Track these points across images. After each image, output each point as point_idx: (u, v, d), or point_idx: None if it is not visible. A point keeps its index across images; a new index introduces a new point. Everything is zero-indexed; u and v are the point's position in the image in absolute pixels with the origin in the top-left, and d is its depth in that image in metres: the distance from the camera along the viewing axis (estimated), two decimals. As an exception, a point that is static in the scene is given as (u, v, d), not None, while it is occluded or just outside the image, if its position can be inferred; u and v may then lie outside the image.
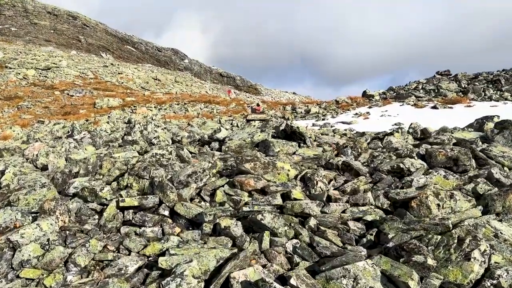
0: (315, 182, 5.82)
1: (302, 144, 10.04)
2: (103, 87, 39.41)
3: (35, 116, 24.96)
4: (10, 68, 42.33)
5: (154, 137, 10.64)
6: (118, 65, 67.08)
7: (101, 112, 26.00)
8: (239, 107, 27.59)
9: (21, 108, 27.28)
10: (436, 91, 24.66)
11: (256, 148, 9.58)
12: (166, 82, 63.15)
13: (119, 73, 56.90)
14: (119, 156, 8.85)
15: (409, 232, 3.91)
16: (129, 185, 6.53)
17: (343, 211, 4.98)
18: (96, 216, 5.49)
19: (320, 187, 5.78)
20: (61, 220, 5.01)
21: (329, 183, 6.01)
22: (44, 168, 9.22)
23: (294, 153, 9.10)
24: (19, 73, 39.81)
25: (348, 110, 22.53)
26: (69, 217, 5.20)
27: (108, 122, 13.66)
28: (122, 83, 46.66)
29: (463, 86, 24.90)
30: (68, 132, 12.90)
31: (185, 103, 28.96)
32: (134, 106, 27.73)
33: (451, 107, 19.57)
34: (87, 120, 22.92)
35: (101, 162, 7.78)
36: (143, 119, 20.23)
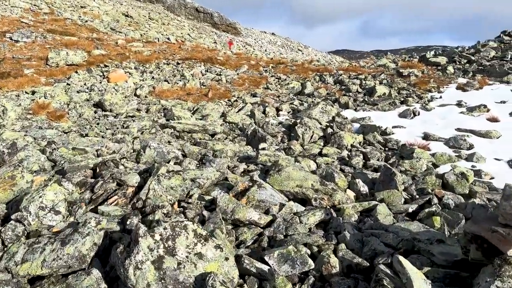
0: None
1: None
2: (60, 27, 29.97)
3: (-47, 79, 16.39)
4: None
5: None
6: (80, -5, 55.63)
7: (56, 75, 17.64)
8: (255, 73, 19.76)
9: None
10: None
11: None
12: (139, 19, 52.95)
13: (81, 7, 46.33)
14: None
15: None
16: None
17: None
18: None
19: None
20: None
21: None
22: None
23: None
24: None
25: (429, 91, 15.35)
26: None
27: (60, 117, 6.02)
28: (86, 21, 36.86)
29: None
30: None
31: (178, 63, 20.76)
32: (106, 65, 19.39)
33: None
34: (33, 93, 14.77)
35: None
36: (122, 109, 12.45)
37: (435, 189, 6.26)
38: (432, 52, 22.81)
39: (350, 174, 6.88)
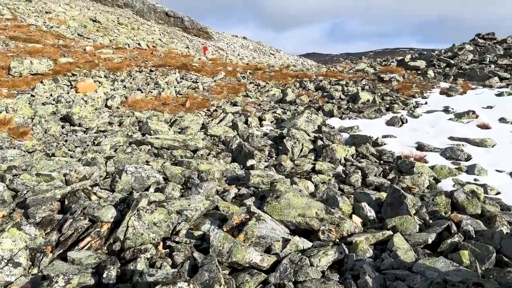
0: None
1: None
2: (24, 34, 28.36)
3: None
4: None
5: None
6: (45, -1, 53.43)
7: (19, 86, 16.36)
8: (232, 80, 19.01)
9: None
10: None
11: None
12: (108, 25, 51.28)
13: (46, 12, 44.40)
14: None
15: None
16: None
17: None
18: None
19: None
20: None
21: None
22: None
23: None
24: None
25: (413, 96, 15.01)
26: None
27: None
28: (52, 27, 35.20)
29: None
30: None
31: (151, 70, 19.76)
32: (74, 74, 18.20)
33: None
34: (-7, 106, 13.51)
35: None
36: (92, 115, 11.47)
37: (448, 211, 5.69)
38: (409, 56, 22.68)
39: (352, 196, 6.22)
